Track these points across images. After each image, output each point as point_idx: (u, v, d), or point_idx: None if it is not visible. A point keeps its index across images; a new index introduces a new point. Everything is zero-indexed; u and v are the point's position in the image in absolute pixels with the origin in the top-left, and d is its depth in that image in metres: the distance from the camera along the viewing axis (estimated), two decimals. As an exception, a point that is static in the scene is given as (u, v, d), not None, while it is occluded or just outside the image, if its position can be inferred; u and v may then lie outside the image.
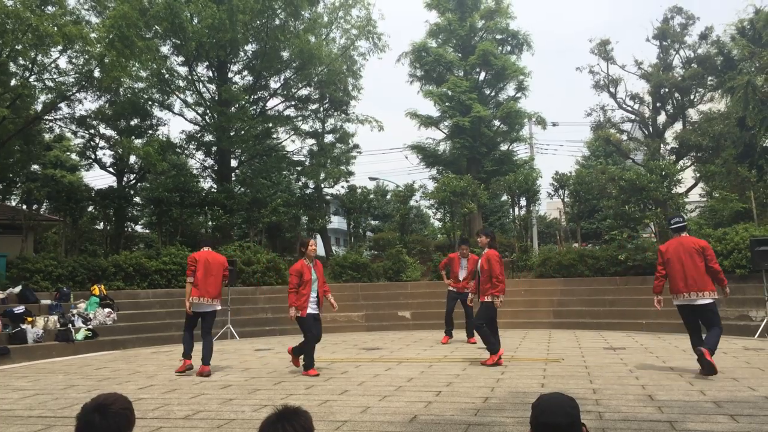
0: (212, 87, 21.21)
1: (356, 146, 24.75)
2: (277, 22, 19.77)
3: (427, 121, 24.76)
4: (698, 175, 20.04)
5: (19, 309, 11.91)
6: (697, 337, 7.58)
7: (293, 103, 23.21)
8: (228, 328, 14.09)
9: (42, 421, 5.78)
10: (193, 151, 23.08)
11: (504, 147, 25.65)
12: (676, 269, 7.60)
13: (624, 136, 23.90)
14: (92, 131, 20.37)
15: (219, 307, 8.84)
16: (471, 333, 11.81)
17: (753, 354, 9.41)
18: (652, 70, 21.85)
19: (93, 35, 14.83)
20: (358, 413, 5.73)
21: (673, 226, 8.00)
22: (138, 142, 19.80)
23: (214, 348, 8.71)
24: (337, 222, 37.77)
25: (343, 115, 23.91)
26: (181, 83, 20.80)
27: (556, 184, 19.29)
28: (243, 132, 20.90)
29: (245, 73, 22.35)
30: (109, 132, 20.73)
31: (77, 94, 18.04)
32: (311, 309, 8.19)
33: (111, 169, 21.40)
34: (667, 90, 21.30)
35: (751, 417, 5.23)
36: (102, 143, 20.80)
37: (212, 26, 17.44)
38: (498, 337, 8.83)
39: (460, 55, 24.88)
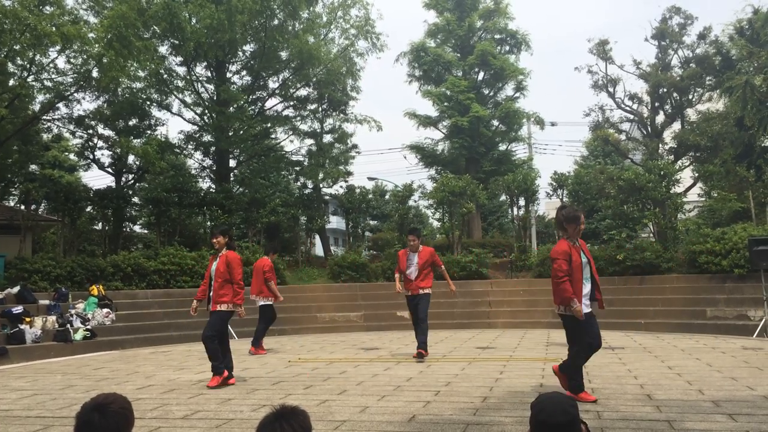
0: (211, 87, 21.20)
1: (355, 146, 24.74)
2: (276, 22, 19.74)
3: (426, 121, 24.78)
4: (697, 174, 20.06)
5: (18, 309, 11.89)
6: None
7: (292, 103, 23.19)
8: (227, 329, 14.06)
9: (40, 421, 5.78)
10: (192, 151, 23.06)
11: (503, 147, 25.67)
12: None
13: (622, 136, 23.90)
14: (90, 131, 20.33)
15: (260, 303, 11.50)
16: (423, 344, 9.52)
17: (751, 353, 9.42)
18: (650, 70, 21.86)
19: (91, 35, 14.81)
20: (356, 413, 5.73)
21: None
22: (136, 142, 19.77)
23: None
24: (335, 222, 37.73)
25: (341, 115, 23.89)
26: (180, 83, 20.77)
27: (554, 183, 19.30)
28: (241, 132, 20.88)
29: (244, 73, 22.34)
30: (108, 132, 20.70)
31: (75, 94, 18.02)
32: (585, 306, 6.16)
33: (109, 170, 21.37)
34: (665, 90, 21.31)
35: (749, 416, 5.23)
36: (100, 143, 20.77)
37: (211, 26, 17.42)
38: (229, 357, 7.72)
39: (458, 55, 24.89)
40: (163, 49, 20.11)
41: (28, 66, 15.23)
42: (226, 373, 7.48)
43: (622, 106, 22.68)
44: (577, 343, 6.13)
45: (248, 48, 21.42)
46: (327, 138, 24.06)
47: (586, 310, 6.09)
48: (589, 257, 6.25)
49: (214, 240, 7.84)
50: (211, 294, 7.71)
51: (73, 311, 12.95)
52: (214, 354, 7.43)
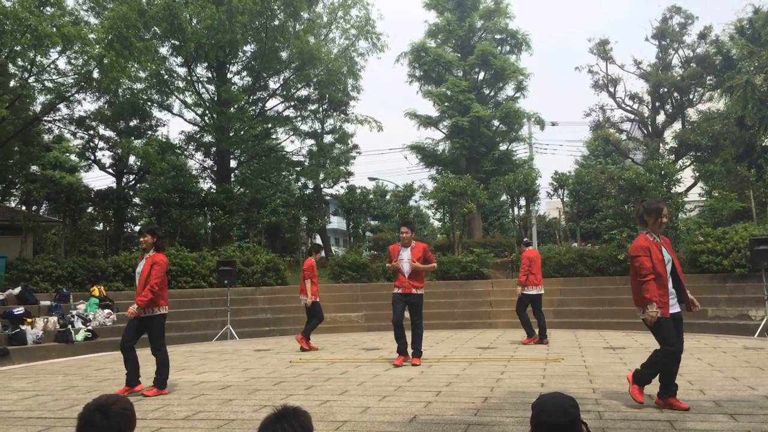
0: (211, 88, 21.22)
1: (355, 146, 24.78)
2: (276, 22, 19.76)
3: (427, 121, 24.79)
4: (697, 174, 20.08)
5: (19, 310, 11.90)
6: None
7: (292, 103, 23.22)
8: (228, 329, 14.09)
9: (42, 422, 5.78)
10: (193, 152, 23.12)
11: (503, 147, 25.68)
12: (537, 269, 11.57)
13: (623, 136, 23.93)
14: (91, 132, 20.38)
15: (304, 302, 11.41)
16: (418, 352, 9.02)
17: (752, 353, 9.41)
18: (651, 69, 21.88)
19: (92, 36, 14.84)
20: (357, 413, 5.73)
21: (525, 242, 12.42)
22: (137, 142, 19.80)
23: (214, 349, 8.87)
24: (336, 222, 37.76)
25: (342, 116, 23.93)
26: (181, 84, 20.81)
27: (555, 183, 19.30)
28: (242, 132, 20.90)
29: (244, 73, 22.37)
30: (109, 133, 20.76)
31: (76, 95, 18.06)
32: (673, 307, 5.56)
33: (110, 170, 21.41)
34: (666, 89, 21.32)
35: (750, 416, 5.23)
36: (101, 144, 20.83)
37: (211, 27, 17.44)
38: (138, 367, 7.21)
39: (459, 55, 24.90)
40: (163, 50, 20.16)
41: (28, 67, 15.26)
42: (166, 390, 7.12)
43: (623, 105, 22.71)
44: (663, 344, 5.51)
45: (249, 48, 21.44)
46: (328, 138, 24.10)
47: (674, 310, 5.53)
48: (672, 255, 5.65)
49: (142, 239, 7.44)
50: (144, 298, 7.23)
51: (74, 312, 12.96)
52: (163, 364, 7.15)
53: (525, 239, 12.77)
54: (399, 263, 8.85)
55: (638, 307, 5.62)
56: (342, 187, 23.16)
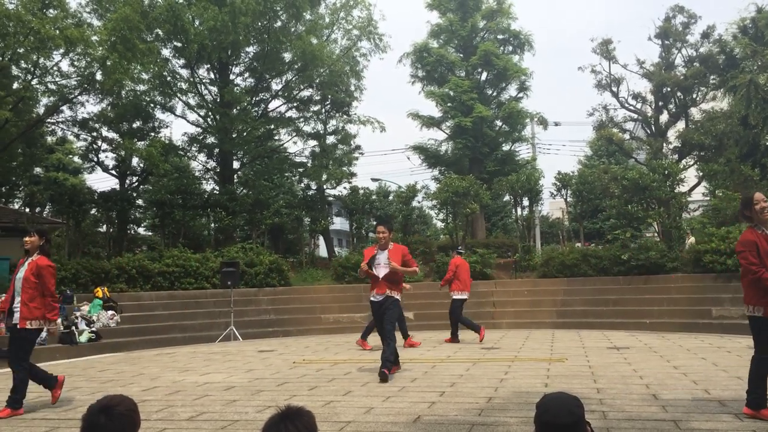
0: (214, 89, 21.23)
1: (358, 147, 24.74)
2: (279, 23, 19.78)
3: (429, 122, 24.76)
4: (701, 174, 20.01)
5: (23, 312, 11.91)
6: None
7: (295, 104, 23.21)
8: (231, 330, 14.10)
9: (45, 423, 5.79)
10: (195, 154, 23.13)
11: (506, 147, 25.64)
12: (465, 276, 12.14)
13: (626, 136, 23.87)
14: (94, 134, 20.40)
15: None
16: (387, 362, 7.72)
17: (757, 353, 9.37)
18: (654, 69, 21.83)
19: (94, 38, 14.88)
20: (361, 414, 5.73)
21: (459, 250, 12.95)
22: (140, 144, 19.83)
23: (218, 350, 8.82)
24: (339, 223, 37.74)
25: (344, 116, 23.92)
26: (183, 85, 20.83)
27: (558, 183, 19.28)
28: (245, 134, 20.92)
29: (247, 75, 22.38)
30: (112, 134, 20.77)
31: (79, 97, 18.10)
32: None
33: (113, 172, 21.44)
34: (669, 89, 21.27)
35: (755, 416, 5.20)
36: (104, 146, 20.86)
37: (214, 28, 17.46)
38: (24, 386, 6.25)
39: (461, 55, 24.88)
40: (166, 52, 20.18)
41: (32, 69, 15.30)
42: (22, 410, 6.21)
43: (626, 105, 22.66)
44: (759, 351, 5.22)
45: (251, 50, 21.46)
46: (330, 139, 24.09)
47: None
48: None
49: (28, 239, 6.54)
50: (16, 306, 6.30)
51: (78, 313, 12.98)
52: (23, 382, 6.22)
53: (459, 248, 13.71)
54: (374, 269, 7.94)
55: (746, 305, 5.32)
56: (345, 188, 23.16)
